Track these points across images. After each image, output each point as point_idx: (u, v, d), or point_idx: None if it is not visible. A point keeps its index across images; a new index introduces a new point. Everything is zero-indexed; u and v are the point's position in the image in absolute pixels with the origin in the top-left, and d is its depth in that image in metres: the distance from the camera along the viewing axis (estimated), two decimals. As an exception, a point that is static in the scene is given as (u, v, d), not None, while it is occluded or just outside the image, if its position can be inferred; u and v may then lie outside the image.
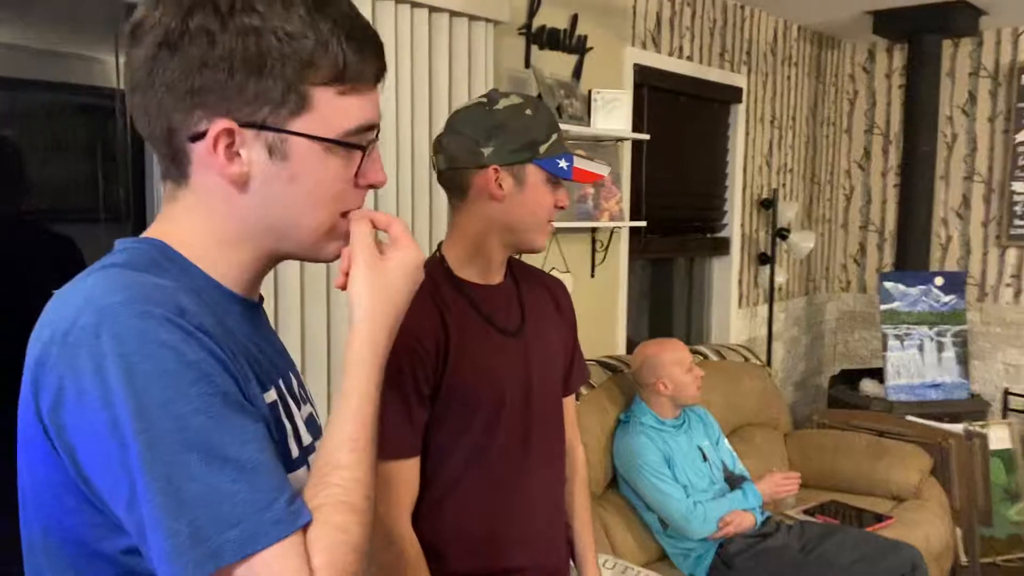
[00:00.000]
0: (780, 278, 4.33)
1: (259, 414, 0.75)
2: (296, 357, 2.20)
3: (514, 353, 1.36)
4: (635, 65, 3.40)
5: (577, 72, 3.09)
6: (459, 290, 1.34)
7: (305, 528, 0.71)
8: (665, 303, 4.19)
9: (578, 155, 1.37)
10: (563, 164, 1.33)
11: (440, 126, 2.50)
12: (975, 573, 3.50)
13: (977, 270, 4.58)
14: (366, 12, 2.25)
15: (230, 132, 0.77)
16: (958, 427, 3.47)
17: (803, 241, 4.16)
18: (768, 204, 4.27)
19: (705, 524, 2.65)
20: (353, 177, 0.82)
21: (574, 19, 3.06)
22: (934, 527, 3.12)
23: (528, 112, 1.34)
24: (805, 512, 3.11)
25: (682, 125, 3.81)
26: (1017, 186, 4.40)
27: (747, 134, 4.17)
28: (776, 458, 3.41)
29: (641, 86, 3.45)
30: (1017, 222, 4.42)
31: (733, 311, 4.20)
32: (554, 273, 3.03)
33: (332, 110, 0.79)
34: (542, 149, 1.33)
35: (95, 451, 0.69)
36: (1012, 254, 4.49)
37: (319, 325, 2.25)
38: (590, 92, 3.05)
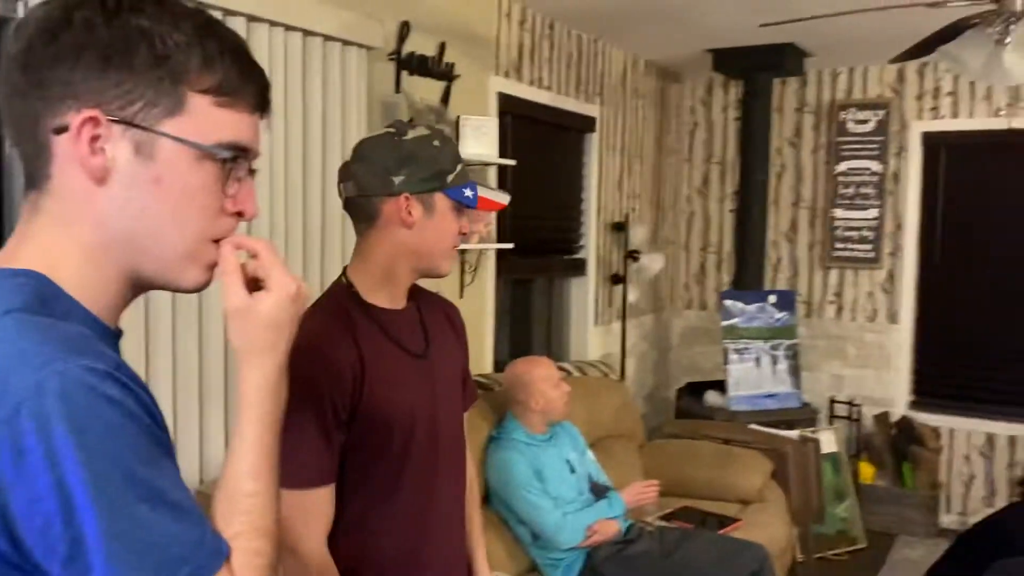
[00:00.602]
0: (632, 297, 4.57)
1: (173, 451, 0.77)
2: (167, 384, 2.14)
3: (423, 375, 1.41)
4: (499, 93, 3.52)
5: (445, 98, 3.17)
6: (369, 315, 1.37)
7: (229, 556, 0.75)
8: (524, 322, 4.33)
9: (480, 184, 1.45)
10: (468, 193, 1.40)
11: (314, 150, 2.53)
12: (810, 568, 3.81)
13: (804, 288, 5.02)
14: (240, 33, 2.24)
15: (95, 121, 0.75)
16: (794, 434, 3.79)
17: (653, 262, 4.42)
18: (620, 227, 4.51)
19: (574, 534, 2.77)
20: (223, 198, 0.81)
21: (442, 47, 3.14)
22: (776, 527, 3.39)
23: (436, 143, 1.40)
24: (662, 518, 3.30)
25: (542, 152, 3.97)
26: (838, 212, 4.87)
27: (600, 161, 4.39)
28: (633, 468, 3.60)
29: (505, 113, 3.58)
30: (838, 245, 4.89)
31: (590, 328, 4.39)
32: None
33: (207, 118, 0.78)
34: (449, 178, 1.39)
35: (35, 511, 0.67)
36: (834, 274, 4.95)
37: (192, 352, 2.19)
38: (458, 118, 3.13)
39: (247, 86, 0.81)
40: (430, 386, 1.41)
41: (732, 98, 5.17)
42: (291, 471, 1.26)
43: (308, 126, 2.51)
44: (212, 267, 0.83)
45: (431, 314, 1.50)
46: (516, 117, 3.69)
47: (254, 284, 0.85)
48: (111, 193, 0.77)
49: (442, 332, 1.50)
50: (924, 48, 2.81)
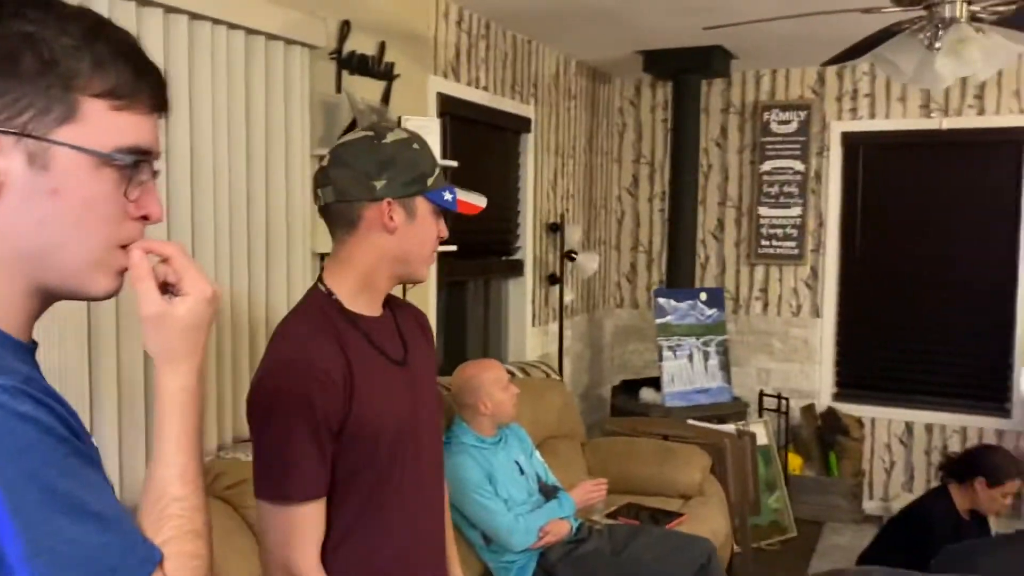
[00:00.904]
0: (568, 297, 4.60)
1: (99, 461, 0.77)
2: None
3: (405, 383, 1.38)
4: (439, 94, 3.49)
5: (386, 98, 3.12)
6: (353, 323, 1.34)
7: (161, 561, 0.76)
8: (459, 325, 4.30)
9: (457, 187, 1.43)
10: (448, 196, 1.40)
11: (257, 149, 2.46)
12: (746, 559, 3.91)
13: (732, 285, 5.15)
14: (181, 32, 2.15)
15: None
16: (731, 428, 3.88)
17: (589, 262, 4.45)
18: (556, 228, 4.53)
19: (527, 536, 2.76)
20: (126, 204, 0.78)
21: (382, 46, 3.09)
22: (717, 520, 3.46)
23: (416, 146, 1.38)
24: (608, 516, 3.33)
25: (480, 153, 3.95)
26: (763, 211, 5.01)
27: (536, 162, 4.40)
28: (578, 467, 3.62)
29: (444, 114, 3.55)
30: (764, 242, 5.03)
31: (528, 329, 4.39)
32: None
33: (103, 123, 0.75)
34: (430, 182, 1.37)
35: None
36: (760, 271, 5.09)
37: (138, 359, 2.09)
38: (400, 119, 3.09)
39: (143, 87, 0.78)
40: (411, 394, 1.39)
41: (660, 99, 5.26)
42: (289, 486, 1.23)
43: (251, 125, 2.43)
44: (122, 273, 0.81)
45: (405, 321, 1.48)
46: (455, 118, 3.66)
47: (165, 288, 0.83)
48: (7, 207, 0.74)
49: (416, 339, 1.48)
50: (856, 52, 2.91)
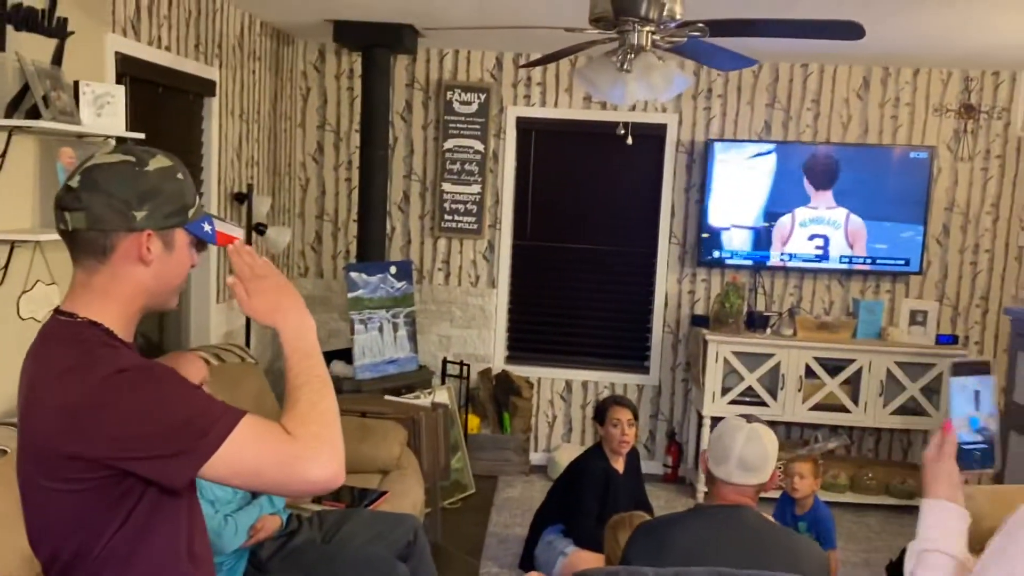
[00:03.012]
0: (255, 271, 4.41)
1: None
2: None
3: None
4: (117, 53, 3.12)
5: (58, 59, 2.72)
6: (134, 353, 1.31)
7: None
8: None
9: (214, 217, 1.40)
10: (207, 228, 1.38)
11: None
12: (435, 519, 4.14)
13: (417, 257, 5.31)
14: None
15: None
16: (427, 402, 4.05)
17: (280, 236, 4.31)
18: (243, 198, 4.31)
19: (237, 536, 2.67)
20: None
21: (53, -2, 2.68)
22: (415, 492, 3.63)
23: (179, 176, 1.33)
24: (314, 501, 3.32)
25: (160, 118, 3.61)
26: (446, 186, 5.22)
27: (220, 127, 4.13)
28: (277, 452, 3.54)
29: (123, 76, 3.18)
30: (447, 217, 5.25)
31: (212, 306, 4.16)
32: (39, 286, 2.68)
33: None
34: (191, 213, 1.34)
35: None
36: (443, 243, 5.32)
37: None
38: (77, 83, 2.72)
39: None
40: None
41: (345, 67, 5.19)
42: (228, 416, 1.22)
43: None
44: None
45: None
46: (134, 80, 3.31)
47: None
48: None
49: None
50: (552, 58, 3.15)
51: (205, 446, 1.19)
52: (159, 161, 1.30)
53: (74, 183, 1.26)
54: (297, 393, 1.30)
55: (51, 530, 1.30)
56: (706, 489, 2.09)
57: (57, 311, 1.33)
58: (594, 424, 3.83)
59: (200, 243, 1.41)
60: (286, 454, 1.22)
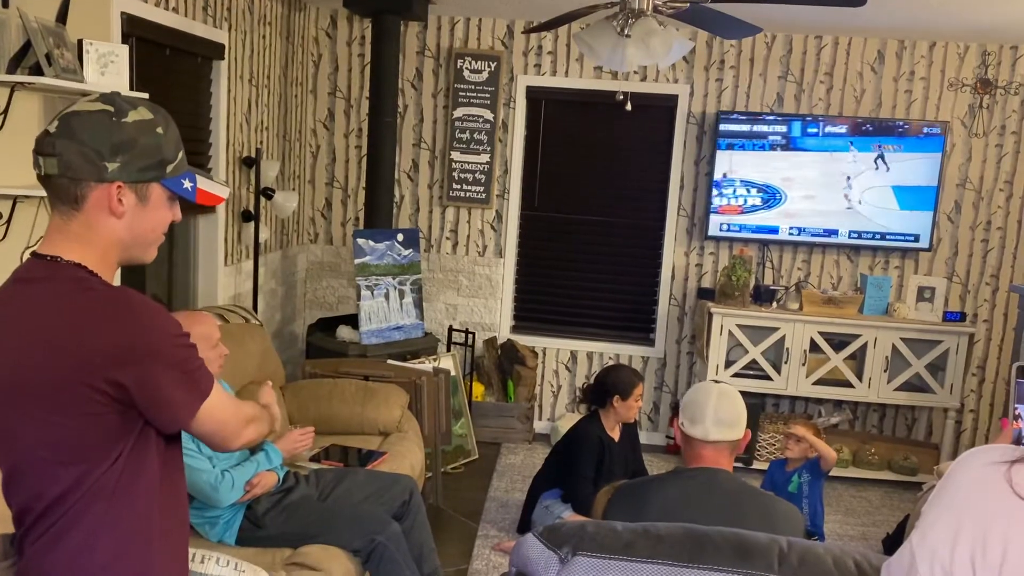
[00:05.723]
0: (264, 235, 4.46)
1: None
2: None
3: None
4: (123, 13, 3.14)
5: (63, 16, 2.75)
6: None
7: None
8: (139, 268, 3.99)
9: (197, 173, 1.37)
10: (188, 185, 1.34)
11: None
12: (437, 484, 4.20)
13: (425, 225, 5.33)
14: None
15: None
16: (428, 366, 4.09)
17: (287, 201, 4.34)
18: (251, 162, 4.34)
19: (234, 491, 2.73)
20: None
21: (57, -45, 2.70)
22: (415, 454, 3.67)
23: (159, 130, 1.30)
24: (313, 459, 3.38)
25: (168, 81, 3.63)
26: (455, 155, 5.22)
27: (229, 91, 4.15)
28: (280, 412, 3.60)
29: (129, 36, 3.21)
30: (455, 186, 5.26)
31: (220, 269, 4.20)
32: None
33: None
34: (169, 169, 1.31)
35: None
36: (451, 212, 5.33)
37: None
38: (81, 42, 2.75)
39: None
40: None
41: (357, 33, 5.19)
42: (207, 379, 1.32)
43: None
44: None
45: None
46: (141, 41, 3.33)
47: None
48: None
49: None
50: (554, 24, 3.14)
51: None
52: (139, 113, 1.29)
53: (52, 128, 1.27)
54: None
55: (36, 469, 1.28)
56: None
57: (35, 255, 1.33)
58: (606, 397, 3.78)
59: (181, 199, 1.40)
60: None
